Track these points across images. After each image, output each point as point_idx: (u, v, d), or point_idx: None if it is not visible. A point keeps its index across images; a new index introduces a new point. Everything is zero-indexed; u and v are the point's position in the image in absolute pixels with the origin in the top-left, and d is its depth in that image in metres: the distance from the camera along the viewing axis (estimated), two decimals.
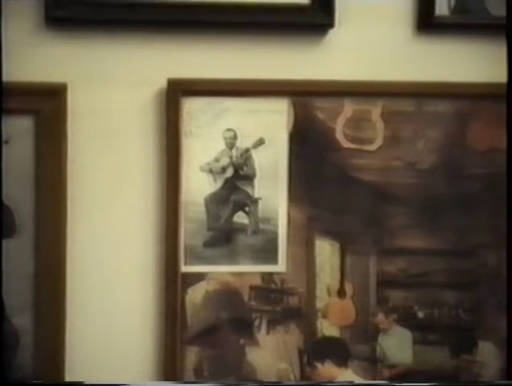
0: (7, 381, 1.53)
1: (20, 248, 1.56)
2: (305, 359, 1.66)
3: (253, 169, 1.64)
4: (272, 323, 1.65)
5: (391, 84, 1.64)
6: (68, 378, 1.58)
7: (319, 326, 1.67)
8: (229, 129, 1.62)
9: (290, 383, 1.66)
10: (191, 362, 1.63)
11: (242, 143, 1.63)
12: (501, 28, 1.58)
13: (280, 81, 1.62)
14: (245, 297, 1.64)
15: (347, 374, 1.67)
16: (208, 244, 1.63)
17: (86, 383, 1.53)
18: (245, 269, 1.64)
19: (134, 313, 1.62)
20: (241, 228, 1.64)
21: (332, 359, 1.67)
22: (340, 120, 1.64)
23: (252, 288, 1.64)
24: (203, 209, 1.62)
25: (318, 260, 1.66)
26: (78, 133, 1.58)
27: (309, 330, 1.66)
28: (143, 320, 1.63)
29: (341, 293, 1.67)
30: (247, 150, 1.63)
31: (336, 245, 1.67)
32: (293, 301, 1.66)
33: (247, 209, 1.64)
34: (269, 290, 1.65)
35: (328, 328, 1.67)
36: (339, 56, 1.64)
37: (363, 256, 1.67)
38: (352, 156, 1.65)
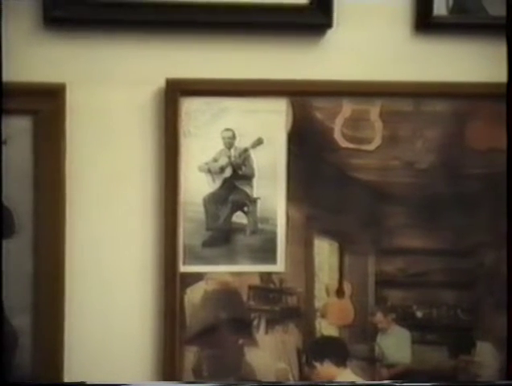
0: (6, 381, 1.53)
1: (19, 249, 1.56)
2: (304, 358, 1.66)
3: (252, 169, 1.64)
4: (271, 323, 1.65)
5: (390, 84, 1.64)
6: (67, 378, 1.58)
7: (317, 325, 1.67)
8: (227, 129, 1.62)
9: (289, 383, 1.66)
10: (190, 362, 1.63)
11: (241, 143, 1.63)
12: (499, 28, 1.59)
13: (279, 81, 1.62)
14: (244, 297, 1.64)
15: (346, 374, 1.67)
16: (206, 243, 1.63)
17: (85, 383, 1.53)
18: (244, 269, 1.64)
19: (133, 313, 1.62)
20: (240, 228, 1.64)
21: (331, 359, 1.67)
22: (338, 120, 1.64)
23: (251, 288, 1.64)
24: (201, 209, 1.62)
25: (317, 259, 1.66)
26: (77, 133, 1.58)
27: (308, 329, 1.66)
28: (142, 320, 1.62)
29: (340, 292, 1.67)
30: (246, 150, 1.63)
31: (335, 245, 1.67)
32: (292, 300, 1.66)
33: (246, 209, 1.64)
34: (268, 290, 1.65)
35: (326, 328, 1.67)
36: (337, 56, 1.64)
37: (362, 255, 1.67)
38: (350, 156, 1.65)
